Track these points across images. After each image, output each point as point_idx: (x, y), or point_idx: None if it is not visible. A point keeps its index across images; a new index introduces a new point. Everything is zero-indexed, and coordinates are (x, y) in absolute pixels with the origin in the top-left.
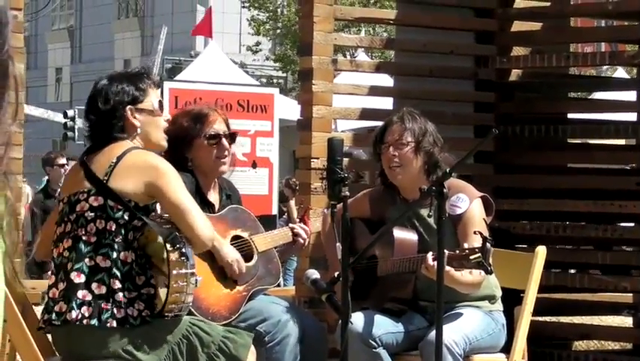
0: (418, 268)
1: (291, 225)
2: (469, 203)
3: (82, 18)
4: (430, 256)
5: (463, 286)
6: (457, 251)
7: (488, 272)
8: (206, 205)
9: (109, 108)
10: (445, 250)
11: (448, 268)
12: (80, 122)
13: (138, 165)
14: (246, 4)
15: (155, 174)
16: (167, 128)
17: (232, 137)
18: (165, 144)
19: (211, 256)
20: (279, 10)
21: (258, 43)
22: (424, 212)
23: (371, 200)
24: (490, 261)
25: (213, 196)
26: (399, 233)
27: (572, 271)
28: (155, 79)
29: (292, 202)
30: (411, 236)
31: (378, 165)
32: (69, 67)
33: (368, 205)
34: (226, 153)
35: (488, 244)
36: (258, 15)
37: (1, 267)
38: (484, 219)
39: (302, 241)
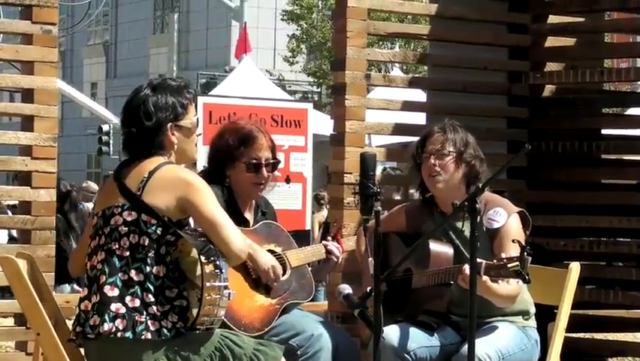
0: (455, 279)
1: (324, 242)
2: (506, 217)
3: (117, 33)
4: (466, 266)
5: (498, 298)
6: (495, 261)
7: (526, 281)
8: (241, 222)
9: (152, 125)
10: (483, 260)
11: (485, 277)
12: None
13: (170, 181)
14: (285, 17)
15: (187, 189)
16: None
17: (273, 166)
18: (197, 156)
19: (244, 267)
20: (314, 23)
21: (294, 56)
22: (460, 226)
23: (407, 214)
24: (528, 270)
25: (248, 213)
26: (435, 246)
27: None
28: (193, 92)
29: (315, 215)
30: (447, 249)
31: (418, 177)
32: (104, 82)
33: (404, 219)
34: (263, 181)
35: (526, 253)
36: (296, 30)
37: None
38: (524, 231)
39: (335, 259)
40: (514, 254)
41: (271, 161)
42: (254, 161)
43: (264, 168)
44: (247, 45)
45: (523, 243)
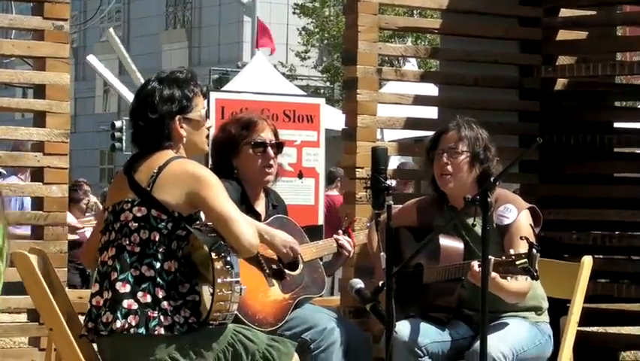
0: (465, 275)
1: (335, 236)
2: (517, 214)
3: (130, 29)
4: (475, 262)
5: (508, 294)
6: (504, 257)
7: (534, 278)
8: (252, 214)
9: (157, 117)
10: (492, 257)
11: (494, 274)
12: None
13: (180, 176)
14: (297, 11)
15: (197, 184)
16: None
17: (279, 147)
18: (207, 147)
19: (258, 262)
20: (327, 20)
21: (306, 51)
22: (471, 221)
23: (418, 208)
24: (537, 267)
25: (260, 206)
26: (445, 241)
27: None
28: (200, 84)
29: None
30: (457, 245)
31: (430, 172)
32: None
33: (415, 213)
34: (272, 162)
35: (534, 250)
36: (308, 24)
37: None
38: (532, 227)
39: (346, 254)
40: (522, 250)
41: (275, 141)
42: (258, 140)
43: (269, 148)
44: (264, 40)
45: (532, 239)
